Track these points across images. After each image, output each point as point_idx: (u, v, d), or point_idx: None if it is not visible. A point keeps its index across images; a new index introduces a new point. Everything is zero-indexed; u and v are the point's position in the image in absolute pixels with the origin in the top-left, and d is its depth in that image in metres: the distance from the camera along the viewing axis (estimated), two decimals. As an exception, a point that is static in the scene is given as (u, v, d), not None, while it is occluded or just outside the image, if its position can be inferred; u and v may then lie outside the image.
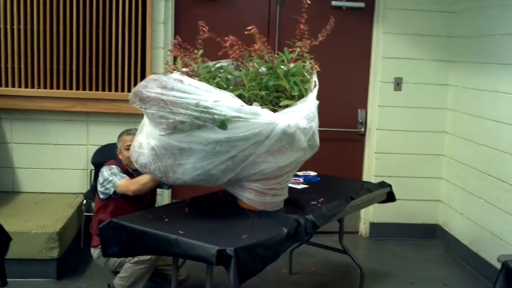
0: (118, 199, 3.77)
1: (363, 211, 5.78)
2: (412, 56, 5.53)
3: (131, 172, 3.91)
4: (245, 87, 3.22)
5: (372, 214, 5.76)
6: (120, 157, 3.95)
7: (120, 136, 3.98)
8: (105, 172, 3.81)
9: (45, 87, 5.08)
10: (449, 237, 5.53)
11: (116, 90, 5.13)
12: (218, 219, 3.27)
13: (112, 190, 3.75)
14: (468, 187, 5.20)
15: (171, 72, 3.24)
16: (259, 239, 2.91)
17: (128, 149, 3.84)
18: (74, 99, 5.11)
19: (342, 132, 5.73)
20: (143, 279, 3.71)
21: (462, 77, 5.37)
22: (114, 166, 3.85)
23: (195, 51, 3.35)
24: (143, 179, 3.66)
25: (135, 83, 5.05)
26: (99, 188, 3.84)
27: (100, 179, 3.84)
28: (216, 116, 2.90)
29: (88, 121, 5.27)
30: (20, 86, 5.05)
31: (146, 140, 3.16)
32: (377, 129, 5.63)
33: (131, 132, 3.91)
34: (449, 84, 5.58)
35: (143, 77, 5.07)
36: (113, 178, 3.75)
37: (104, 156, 4.16)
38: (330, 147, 5.49)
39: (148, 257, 3.65)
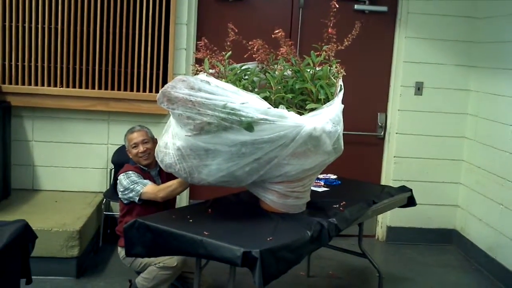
0: (142, 203, 3.79)
1: (380, 215, 5.77)
2: (433, 61, 5.52)
3: (146, 170, 3.92)
4: (272, 89, 3.22)
5: (389, 218, 5.76)
6: (130, 156, 3.97)
7: (125, 136, 4.00)
8: (123, 180, 3.80)
9: (67, 86, 5.11)
10: (467, 242, 5.52)
11: (138, 90, 5.16)
12: (242, 220, 3.27)
13: (136, 199, 3.73)
14: (487, 193, 5.18)
15: (197, 73, 3.25)
16: (284, 241, 2.91)
17: (135, 147, 3.89)
18: (95, 98, 5.14)
19: (361, 136, 5.73)
20: (165, 285, 3.72)
21: (483, 83, 5.35)
22: (130, 172, 3.83)
23: (223, 53, 3.36)
24: (171, 186, 3.66)
25: (157, 84, 5.10)
26: (120, 195, 3.84)
27: (120, 187, 3.82)
28: (243, 118, 2.90)
29: (109, 120, 5.30)
30: (42, 85, 5.09)
31: (172, 140, 3.16)
32: (396, 133, 5.62)
33: (135, 130, 3.97)
34: (470, 89, 5.57)
35: (165, 77, 5.11)
36: (134, 187, 3.74)
37: (124, 155, 4.18)
38: (349, 151, 5.40)
39: (174, 263, 3.66)
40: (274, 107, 3.06)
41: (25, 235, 3.06)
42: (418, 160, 5.67)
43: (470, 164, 5.54)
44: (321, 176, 4.41)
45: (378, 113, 5.71)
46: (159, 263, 3.66)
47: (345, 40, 3.38)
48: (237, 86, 3.12)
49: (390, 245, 5.76)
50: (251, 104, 2.93)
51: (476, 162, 5.43)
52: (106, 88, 5.14)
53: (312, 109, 3.16)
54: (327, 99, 3.23)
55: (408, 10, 5.43)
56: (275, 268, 2.82)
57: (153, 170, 3.93)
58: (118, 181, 3.84)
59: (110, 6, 5.06)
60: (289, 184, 3.29)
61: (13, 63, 5.03)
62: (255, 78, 3.40)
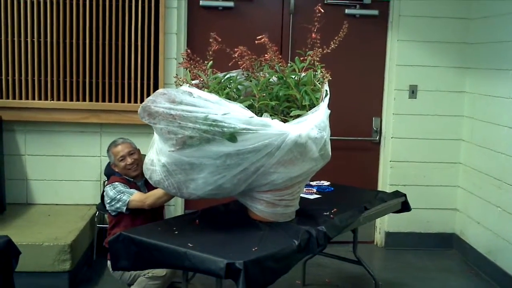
0: (129, 213, 3.75)
1: (378, 221, 5.71)
2: (427, 64, 5.47)
3: (132, 181, 3.89)
4: (256, 97, 3.18)
5: (387, 223, 5.70)
6: (117, 170, 3.93)
7: (108, 151, 3.98)
8: (110, 191, 3.77)
9: (58, 99, 5.10)
10: (466, 246, 5.45)
11: (129, 101, 5.14)
12: (229, 231, 3.23)
13: (123, 209, 3.71)
14: (485, 195, 5.12)
15: (181, 85, 3.21)
16: (269, 251, 2.87)
17: (122, 159, 3.86)
18: (87, 110, 5.12)
19: (356, 141, 5.68)
20: None
21: (478, 84, 5.30)
22: (116, 182, 3.81)
23: (205, 62, 3.32)
24: (157, 193, 3.63)
25: (148, 94, 5.06)
26: (108, 207, 3.81)
27: (107, 199, 3.79)
28: (225, 129, 2.86)
29: (101, 132, 5.27)
30: (33, 99, 5.07)
31: (157, 157, 3.13)
32: (392, 137, 5.57)
33: (118, 143, 3.94)
34: (465, 91, 5.51)
35: (155, 87, 5.08)
36: (121, 197, 3.71)
37: (117, 167, 4.18)
38: (344, 156, 5.44)
39: (163, 273, 3.63)
40: (259, 115, 3.02)
41: (8, 251, 3.04)
42: (415, 164, 5.61)
43: (467, 166, 5.48)
44: (313, 183, 4.37)
45: (373, 118, 5.66)
46: (148, 273, 3.63)
47: (332, 42, 3.33)
48: (220, 95, 3.08)
49: (389, 251, 5.69)
50: (233, 114, 2.89)
51: (473, 165, 5.37)
52: (97, 100, 5.12)
53: (297, 116, 3.12)
54: (313, 105, 3.19)
55: (399, 13, 5.38)
56: (260, 279, 2.78)
57: (139, 181, 3.90)
58: (104, 193, 3.82)
59: (99, 18, 5.04)
60: (277, 192, 3.25)
61: (3, 77, 5.02)
62: (239, 86, 3.36)
